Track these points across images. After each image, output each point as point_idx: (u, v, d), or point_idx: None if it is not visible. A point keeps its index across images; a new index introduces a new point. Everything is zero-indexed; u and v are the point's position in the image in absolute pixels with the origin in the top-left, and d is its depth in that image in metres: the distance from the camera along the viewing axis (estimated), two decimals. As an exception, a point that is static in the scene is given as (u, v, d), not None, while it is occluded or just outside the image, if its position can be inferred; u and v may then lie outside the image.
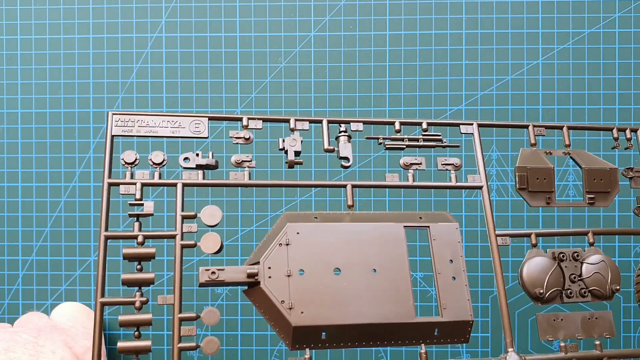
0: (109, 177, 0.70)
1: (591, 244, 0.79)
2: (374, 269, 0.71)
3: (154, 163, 0.72)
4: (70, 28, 0.98)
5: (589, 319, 0.76)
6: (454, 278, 0.72)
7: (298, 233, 0.71)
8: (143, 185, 0.71)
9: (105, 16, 0.98)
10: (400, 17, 0.99)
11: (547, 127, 0.84)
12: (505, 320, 0.73)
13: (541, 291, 0.74)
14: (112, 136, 0.72)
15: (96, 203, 0.97)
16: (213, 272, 0.67)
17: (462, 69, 1.01)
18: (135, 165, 0.72)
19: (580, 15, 0.99)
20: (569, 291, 0.76)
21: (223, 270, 0.68)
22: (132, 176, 0.71)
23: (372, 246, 0.71)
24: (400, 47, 1.00)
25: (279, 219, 0.73)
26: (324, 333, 0.68)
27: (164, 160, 0.72)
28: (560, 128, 0.84)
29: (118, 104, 0.98)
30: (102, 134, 0.98)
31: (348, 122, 0.78)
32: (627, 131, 0.86)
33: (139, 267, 0.68)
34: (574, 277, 0.76)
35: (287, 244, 0.70)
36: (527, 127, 0.83)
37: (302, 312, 0.67)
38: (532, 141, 0.82)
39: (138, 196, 0.69)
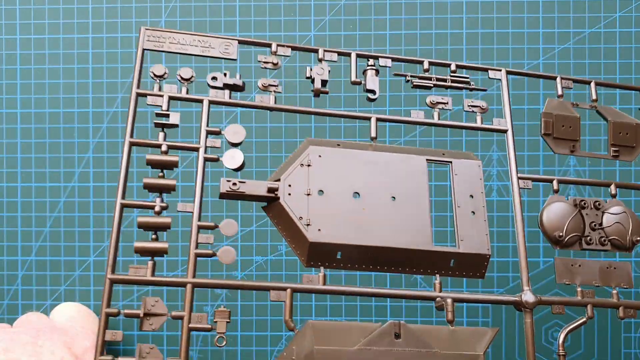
0: (138, 87, 0.71)
1: (613, 196, 0.78)
2: (393, 197, 0.70)
3: (182, 78, 0.73)
4: (69, 28, 0.97)
5: (607, 268, 0.75)
6: (473, 213, 0.72)
7: (320, 156, 0.71)
8: (170, 98, 0.71)
9: (105, 16, 0.98)
10: (401, 16, 0.99)
11: (575, 81, 0.83)
12: (522, 260, 0.72)
13: (560, 234, 0.74)
14: (144, 50, 0.73)
15: (96, 203, 0.96)
16: (234, 184, 0.67)
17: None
18: (164, 79, 0.72)
19: (581, 14, 0.98)
20: (588, 238, 0.75)
21: (244, 182, 0.68)
22: (160, 89, 0.72)
23: (393, 175, 0.71)
24: (401, 47, 0.99)
25: (301, 144, 0.73)
26: (339, 252, 0.68)
27: (192, 76, 0.73)
28: (588, 83, 0.84)
29: (117, 104, 0.97)
30: (102, 135, 0.97)
31: (377, 57, 0.78)
32: (656, 91, 0.85)
33: (160, 174, 0.68)
34: (595, 225, 0.75)
35: (309, 165, 0.70)
36: (555, 78, 0.83)
37: (319, 230, 0.67)
38: (560, 92, 0.82)
39: (165, 107, 0.70)
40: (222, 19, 0.98)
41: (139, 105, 0.71)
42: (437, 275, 0.70)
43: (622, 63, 0.97)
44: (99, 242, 0.96)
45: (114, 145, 0.96)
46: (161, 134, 0.70)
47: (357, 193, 0.70)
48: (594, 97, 0.83)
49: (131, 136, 0.69)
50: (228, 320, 0.64)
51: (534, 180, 0.76)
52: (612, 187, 0.78)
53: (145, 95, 0.71)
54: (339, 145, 0.73)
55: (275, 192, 0.68)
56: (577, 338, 0.91)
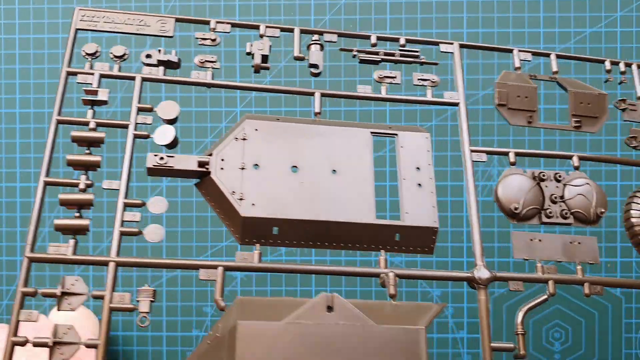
0: (68, 66, 0.69)
1: (576, 168, 0.74)
2: (334, 170, 0.67)
3: (114, 56, 0.70)
4: (69, 28, 0.95)
5: (571, 243, 0.70)
6: (420, 185, 0.68)
7: (256, 130, 0.68)
8: (102, 76, 0.69)
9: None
10: (401, 16, 0.98)
11: (533, 53, 0.80)
12: (475, 234, 0.68)
13: (517, 206, 0.69)
14: (77, 29, 0.71)
15: (95, 203, 0.94)
16: (162, 158, 0.64)
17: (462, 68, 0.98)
18: (96, 57, 0.70)
19: (582, 14, 0.97)
20: (548, 211, 0.70)
21: (173, 157, 0.65)
22: (91, 67, 0.69)
23: (334, 149, 0.68)
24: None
25: (239, 119, 0.70)
26: (275, 228, 0.64)
27: (124, 54, 0.71)
28: (548, 55, 0.80)
29: (117, 103, 0.96)
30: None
31: (321, 33, 0.76)
32: (621, 65, 0.81)
33: (87, 152, 0.65)
34: (555, 198, 0.71)
35: (244, 139, 0.67)
36: (511, 51, 0.79)
37: (253, 204, 0.64)
38: (517, 64, 0.78)
39: (95, 85, 0.68)
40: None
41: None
42: (382, 251, 0.65)
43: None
44: (98, 242, 0.93)
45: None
46: (90, 112, 0.67)
47: (296, 167, 0.66)
48: (555, 69, 0.79)
49: (58, 114, 0.66)
50: (152, 299, 0.60)
51: (488, 152, 0.72)
52: (575, 159, 0.74)
53: (75, 73, 0.68)
54: (278, 120, 0.70)
55: (206, 166, 0.65)
56: (577, 338, 0.88)
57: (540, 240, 0.69)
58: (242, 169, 0.65)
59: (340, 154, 0.67)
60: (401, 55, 0.76)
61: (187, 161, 0.65)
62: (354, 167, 0.67)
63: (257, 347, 0.55)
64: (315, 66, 0.74)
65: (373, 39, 0.76)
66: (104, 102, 0.67)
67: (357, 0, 0.99)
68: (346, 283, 0.84)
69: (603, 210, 0.71)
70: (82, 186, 0.63)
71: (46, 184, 0.63)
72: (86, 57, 0.70)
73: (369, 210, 0.65)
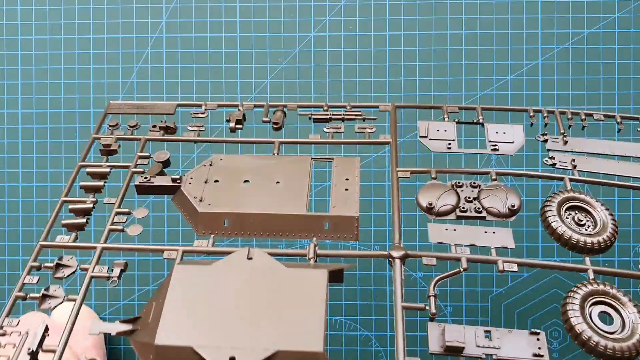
0: (96, 133, 0.96)
1: (493, 180, 0.86)
2: (278, 182, 0.84)
3: (129, 126, 0.97)
4: (70, 28, 0.99)
5: (486, 232, 0.80)
6: (347, 189, 0.83)
7: (221, 160, 0.88)
8: (118, 139, 0.95)
9: (106, 16, 1.00)
10: (400, 17, 1.00)
11: (460, 108, 0.97)
12: (395, 218, 0.80)
13: (431, 202, 0.82)
14: (106, 113, 1.00)
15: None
16: (146, 177, 0.86)
17: (461, 69, 1.02)
18: (117, 128, 0.97)
19: (580, 15, 0.98)
20: (462, 207, 0.82)
21: (155, 177, 0.86)
22: (111, 133, 0.96)
23: (281, 170, 0.86)
24: (400, 48, 1.02)
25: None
26: (226, 220, 0.81)
27: (136, 124, 0.97)
28: (473, 109, 0.97)
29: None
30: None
31: (285, 106, 0.99)
32: (544, 111, 0.96)
33: (98, 182, 0.88)
34: (469, 198, 0.83)
35: (211, 165, 0.87)
36: (440, 107, 0.98)
37: (209, 204, 0.82)
38: (445, 116, 0.96)
39: (114, 147, 0.93)
40: (223, 20, 1.00)
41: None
42: (314, 238, 0.79)
43: (621, 63, 0.97)
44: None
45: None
46: (104, 159, 0.92)
47: (248, 180, 0.85)
48: (481, 117, 0.95)
49: (82, 160, 0.91)
50: (122, 268, 0.76)
51: (412, 172, 0.87)
52: (492, 173, 0.87)
53: (99, 138, 0.95)
54: (242, 155, 0.90)
55: (178, 182, 0.85)
56: None
57: (455, 230, 0.80)
58: (205, 182, 0.84)
59: (284, 172, 0.86)
60: (346, 115, 0.97)
61: (164, 179, 0.86)
62: (294, 180, 0.84)
63: (187, 284, 0.69)
64: (276, 123, 0.95)
65: (325, 107, 0.98)
66: (115, 152, 0.92)
67: (357, 2, 1.00)
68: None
69: (514, 204, 0.81)
70: (88, 202, 0.85)
71: (64, 202, 0.86)
72: (109, 127, 0.97)
73: (302, 206, 0.81)
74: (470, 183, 0.84)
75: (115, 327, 0.69)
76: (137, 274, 1.02)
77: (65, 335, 0.69)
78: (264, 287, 0.68)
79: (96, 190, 0.87)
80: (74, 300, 0.74)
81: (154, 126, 0.96)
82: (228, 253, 0.78)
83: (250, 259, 0.71)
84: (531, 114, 0.96)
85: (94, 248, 0.79)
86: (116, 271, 0.76)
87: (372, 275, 0.96)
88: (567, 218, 0.81)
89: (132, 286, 0.95)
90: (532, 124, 0.96)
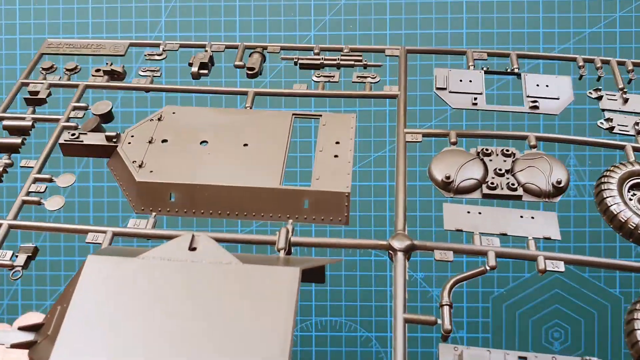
0: (25, 78, 0.75)
1: (532, 147, 0.65)
2: (246, 144, 0.64)
3: (66, 69, 0.76)
4: (69, 28, 0.99)
5: (522, 217, 0.59)
6: (337, 156, 0.62)
7: (174, 113, 0.68)
8: (50, 85, 0.74)
9: (105, 16, 0.98)
10: (401, 16, 0.97)
11: (489, 54, 0.76)
12: (400, 200, 0.60)
13: (449, 175, 0.61)
14: (42, 54, 0.79)
15: (95, 204, 0.93)
16: (73, 134, 0.65)
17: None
18: (51, 71, 0.76)
19: (581, 14, 0.94)
20: (491, 182, 0.61)
21: (85, 134, 0.66)
22: (45, 78, 0.75)
23: (251, 127, 0.66)
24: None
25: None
26: (172, 194, 0.61)
27: (76, 67, 0.76)
28: (507, 55, 0.76)
29: (117, 103, 1.00)
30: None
31: (265, 47, 0.78)
32: (597, 60, 0.75)
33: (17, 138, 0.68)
34: (500, 170, 0.62)
35: (159, 119, 0.67)
36: (464, 53, 0.76)
37: (150, 171, 0.61)
38: (470, 63, 0.74)
39: (42, 95, 0.72)
40: (222, 19, 0.97)
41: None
42: (290, 221, 0.59)
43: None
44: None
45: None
46: (30, 109, 0.71)
47: (206, 141, 0.64)
48: (516, 65, 0.74)
49: (3, 111, 0.71)
50: (30, 254, 0.57)
51: (425, 134, 0.66)
52: (531, 137, 0.65)
53: (28, 84, 0.74)
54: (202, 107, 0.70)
55: (114, 140, 0.64)
56: (577, 338, 0.80)
57: (480, 213, 0.59)
58: (150, 142, 0.64)
59: (255, 131, 0.65)
60: (343, 60, 0.75)
61: (96, 137, 0.65)
62: (267, 142, 0.64)
63: (101, 281, 0.49)
64: (251, 69, 0.74)
65: (316, 50, 0.77)
66: (44, 101, 0.72)
67: (357, 1, 0.97)
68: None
69: (560, 179, 0.60)
70: (0, 164, 0.65)
71: (-32, 164, 0.66)
72: (42, 71, 0.76)
73: (275, 177, 0.60)
74: (502, 150, 0.63)
75: (12, 337, 0.50)
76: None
77: None
78: (211, 290, 0.49)
79: (13, 149, 0.67)
80: None
81: (97, 70, 0.76)
82: (170, 237, 0.58)
83: (194, 249, 0.51)
84: (580, 63, 0.74)
85: (-2, 225, 0.60)
86: (21, 259, 0.57)
87: (372, 276, 0.85)
88: (630, 199, 0.60)
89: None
90: (581, 77, 0.74)
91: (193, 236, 0.52)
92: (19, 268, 0.56)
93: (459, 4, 0.96)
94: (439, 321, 0.52)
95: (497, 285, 0.82)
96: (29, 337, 0.50)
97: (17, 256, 0.57)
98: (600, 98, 0.70)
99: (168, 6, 0.99)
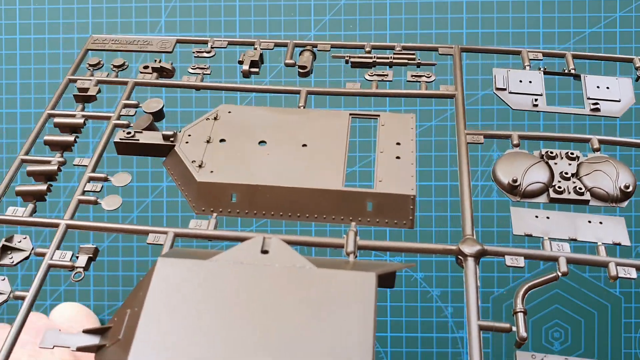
0: (72, 74, 0.74)
1: (596, 151, 0.64)
2: (305, 144, 0.63)
3: (114, 66, 0.75)
4: (69, 27, 0.98)
5: (590, 222, 0.58)
6: (399, 157, 0.61)
7: (230, 112, 0.67)
8: (99, 82, 0.73)
9: (105, 15, 0.98)
10: (401, 16, 0.97)
11: (545, 54, 0.74)
12: (466, 202, 0.58)
13: (515, 178, 0.60)
14: (87, 49, 0.78)
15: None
16: (129, 132, 0.64)
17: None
18: (98, 68, 0.75)
19: (581, 14, 0.93)
20: (557, 186, 0.60)
21: (141, 132, 0.65)
22: (92, 75, 0.74)
23: (309, 128, 0.64)
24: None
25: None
26: (233, 195, 0.59)
27: (123, 63, 0.75)
28: (562, 56, 0.74)
29: (117, 103, 0.99)
30: (101, 135, 0.94)
31: (315, 45, 0.77)
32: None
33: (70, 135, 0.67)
34: (567, 174, 0.61)
35: (215, 119, 0.66)
36: (519, 53, 0.75)
37: (211, 171, 0.60)
38: (527, 63, 0.73)
39: (92, 92, 0.71)
40: (222, 19, 0.97)
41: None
42: (353, 223, 0.58)
43: (622, 63, 0.88)
44: (98, 242, 0.90)
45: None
46: (79, 106, 0.70)
47: (264, 141, 0.63)
48: (572, 66, 0.73)
49: (52, 109, 0.70)
50: (91, 256, 0.56)
51: (486, 136, 0.65)
52: (594, 141, 0.64)
53: (75, 80, 0.73)
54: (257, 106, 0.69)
55: (171, 139, 0.63)
56: (577, 338, 0.80)
57: (548, 218, 0.58)
58: (208, 142, 0.63)
59: (312, 131, 0.64)
60: (395, 59, 0.74)
61: (153, 135, 0.64)
62: (326, 143, 0.63)
63: (173, 284, 0.48)
64: (303, 67, 0.73)
65: (367, 47, 0.75)
66: (94, 98, 0.70)
67: (357, 1, 0.97)
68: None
69: (628, 184, 0.59)
70: (54, 162, 0.64)
71: (22, 161, 0.65)
72: (89, 68, 0.75)
73: (336, 178, 0.59)
74: (567, 153, 0.62)
75: (77, 340, 0.49)
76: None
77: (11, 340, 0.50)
78: (284, 294, 0.48)
79: (65, 147, 0.66)
80: (22, 298, 0.53)
81: (146, 67, 0.75)
82: (236, 240, 0.57)
83: (266, 252, 0.50)
84: (638, 64, 0.73)
85: (56, 226, 0.58)
86: (82, 260, 0.55)
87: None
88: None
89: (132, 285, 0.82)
90: (638, 79, 0.73)
91: (264, 239, 0.51)
92: (80, 269, 0.55)
93: (459, 3, 0.96)
94: (514, 328, 0.51)
95: (497, 286, 0.82)
96: (94, 340, 0.49)
97: (77, 257, 0.56)
98: (661, 98, 0.69)
99: (168, 6, 0.99)
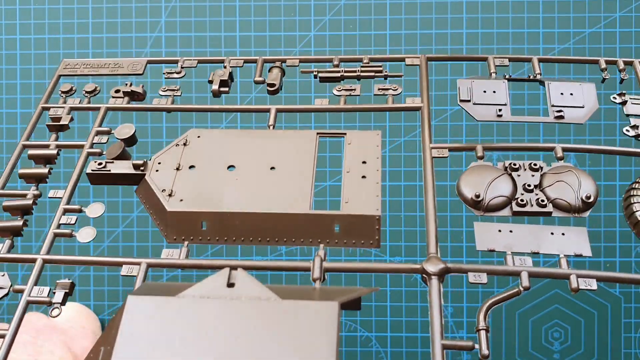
0: (45, 102, 0.75)
1: (560, 159, 0.65)
2: (273, 167, 0.64)
3: (86, 92, 0.76)
4: (69, 27, 0.99)
5: (552, 234, 0.59)
6: (364, 177, 0.63)
7: (199, 137, 0.68)
8: (71, 109, 0.74)
9: (105, 15, 0.98)
10: (401, 16, 0.97)
11: (511, 60, 0.75)
12: (430, 221, 0.60)
13: (478, 193, 0.61)
14: (59, 75, 0.79)
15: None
16: (100, 163, 0.65)
17: (462, 68, 0.96)
18: (71, 94, 0.76)
19: (581, 14, 0.93)
20: (520, 200, 0.61)
21: (112, 162, 0.66)
22: (64, 102, 0.75)
23: (276, 149, 0.66)
24: (401, 47, 0.97)
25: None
26: (203, 223, 0.61)
27: (95, 88, 0.76)
28: (528, 60, 0.75)
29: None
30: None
31: (284, 60, 0.77)
32: (620, 62, 0.74)
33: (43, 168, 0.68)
34: (529, 186, 0.62)
35: (185, 144, 0.67)
36: (485, 59, 0.75)
37: (181, 200, 0.62)
38: (492, 70, 0.74)
39: (65, 120, 0.72)
40: (222, 19, 0.97)
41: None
42: (322, 245, 0.59)
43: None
44: (98, 243, 0.92)
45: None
46: (53, 136, 0.71)
47: (233, 166, 0.65)
48: (537, 71, 0.73)
49: (26, 139, 0.71)
50: (67, 290, 0.58)
51: (450, 149, 0.66)
52: (558, 149, 0.65)
53: (49, 108, 0.74)
54: (223, 129, 0.70)
55: (141, 169, 0.65)
56: (577, 338, 0.81)
57: (511, 231, 0.60)
58: (177, 169, 0.64)
59: (281, 153, 0.65)
60: (363, 71, 0.75)
61: (123, 165, 0.65)
62: (294, 164, 0.64)
63: (143, 321, 0.50)
64: (271, 85, 0.74)
65: (335, 61, 0.76)
66: (66, 127, 0.72)
67: (357, 1, 0.97)
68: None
69: (589, 194, 0.60)
70: (29, 196, 0.65)
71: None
72: (61, 95, 0.76)
73: (304, 202, 0.61)
74: (530, 165, 0.63)
75: None
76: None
77: None
78: (251, 328, 0.49)
79: (40, 179, 0.67)
80: (2, 336, 0.55)
81: (117, 91, 0.75)
82: (207, 268, 0.58)
83: (232, 285, 0.52)
84: (603, 66, 0.73)
85: (33, 261, 0.60)
86: (59, 295, 0.57)
87: (372, 276, 0.85)
88: (661, 211, 0.60)
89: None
90: (604, 80, 0.73)
91: (230, 271, 0.52)
92: (58, 305, 0.57)
93: (459, 4, 0.96)
94: (477, 346, 0.52)
95: (497, 286, 0.82)
96: None
97: (54, 293, 0.58)
98: (624, 103, 0.70)
99: (168, 6, 0.99)
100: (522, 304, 0.84)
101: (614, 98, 0.70)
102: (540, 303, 0.85)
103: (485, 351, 0.52)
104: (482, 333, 0.53)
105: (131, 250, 0.84)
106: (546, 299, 0.84)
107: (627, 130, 0.67)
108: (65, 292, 0.57)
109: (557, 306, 0.81)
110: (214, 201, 0.61)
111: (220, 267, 0.58)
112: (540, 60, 0.74)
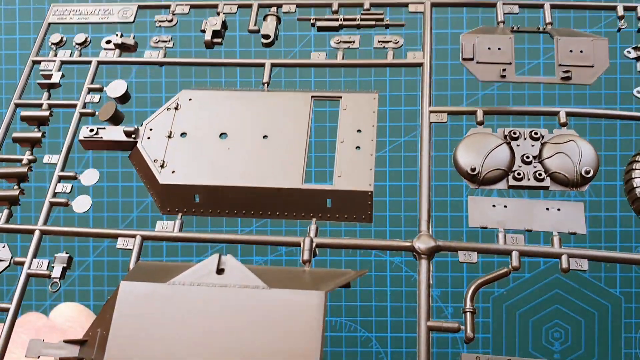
0: (35, 55, 0.73)
1: (562, 125, 0.62)
2: (265, 136, 0.62)
3: (76, 43, 0.73)
4: (69, 28, 0.97)
5: (548, 209, 0.58)
6: (358, 147, 0.61)
7: (190, 99, 0.66)
8: (62, 62, 0.72)
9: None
10: (401, 16, 0.92)
11: (521, 6, 0.70)
12: (423, 197, 0.59)
13: (474, 167, 0.59)
14: (49, 23, 0.76)
15: (95, 204, 0.93)
16: (92, 130, 0.65)
17: (462, 68, 0.91)
18: (61, 45, 0.74)
19: (581, 14, 0.86)
20: (517, 172, 0.59)
21: (104, 129, 0.65)
22: (55, 55, 0.73)
23: (269, 114, 0.64)
24: (401, 47, 0.91)
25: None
26: (196, 195, 0.61)
27: (86, 40, 0.73)
28: (540, 7, 0.70)
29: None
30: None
31: (280, 5, 0.73)
32: (639, 9, 0.68)
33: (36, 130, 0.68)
34: (528, 158, 0.60)
35: (176, 108, 0.65)
36: (494, 5, 0.70)
37: (173, 172, 0.61)
38: (500, 19, 0.69)
39: (56, 78, 0.70)
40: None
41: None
42: (314, 220, 0.59)
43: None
44: (98, 243, 0.95)
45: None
46: (45, 94, 0.70)
47: (225, 134, 0.63)
48: (548, 19, 0.69)
49: (18, 98, 0.70)
50: (65, 265, 0.59)
51: (450, 112, 0.63)
52: (562, 114, 0.62)
53: (39, 62, 0.72)
54: (216, 89, 0.67)
55: (133, 136, 0.64)
56: (577, 338, 0.80)
57: (505, 207, 0.59)
58: (169, 137, 0.63)
59: (274, 119, 0.63)
60: (362, 20, 0.71)
61: (115, 132, 0.64)
62: (287, 132, 0.62)
63: (136, 308, 0.51)
64: (266, 36, 0.71)
65: (335, 6, 0.72)
66: (57, 85, 0.70)
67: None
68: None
69: (588, 169, 0.58)
70: (24, 162, 0.65)
71: (-5, 160, 0.66)
72: (52, 46, 0.73)
73: (297, 175, 0.60)
74: (531, 134, 0.61)
75: (58, 351, 0.54)
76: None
77: None
78: (238, 315, 0.51)
79: (34, 143, 0.67)
80: (6, 310, 0.58)
81: (108, 42, 0.73)
82: (200, 241, 0.59)
83: (221, 271, 0.53)
84: (620, 13, 0.69)
85: (32, 232, 0.61)
86: (57, 270, 0.59)
87: (372, 276, 0.86)
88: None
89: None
90: (619, 30, 0.69)
91: (219, 258, 0.53)
92: (57, 280, 0.59)
93: (459, 4, 0.89)
94: (462, 327, 0.53)
95: (497, 286, 0.82)
96: (74, 351, 0.54)
97: (53, 267, 0.59)
98: (638, 58, 0.66)
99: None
100: (522, 304, 0.85)
101: (628, 52, 0.66)
102: (541, 303, 0.86)
103: (470, 333, 0.53)
104: (468, 315, 0.54)
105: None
106: (546, 299, 0.85)
107: (639, 92, 0.64)
108: (64, 267, 0.59)
109: (558, 306, 0.81)
110: (206, 174, 0.61)
111: (212, 241, 0.59)
112: (552, 7, 0.69)
